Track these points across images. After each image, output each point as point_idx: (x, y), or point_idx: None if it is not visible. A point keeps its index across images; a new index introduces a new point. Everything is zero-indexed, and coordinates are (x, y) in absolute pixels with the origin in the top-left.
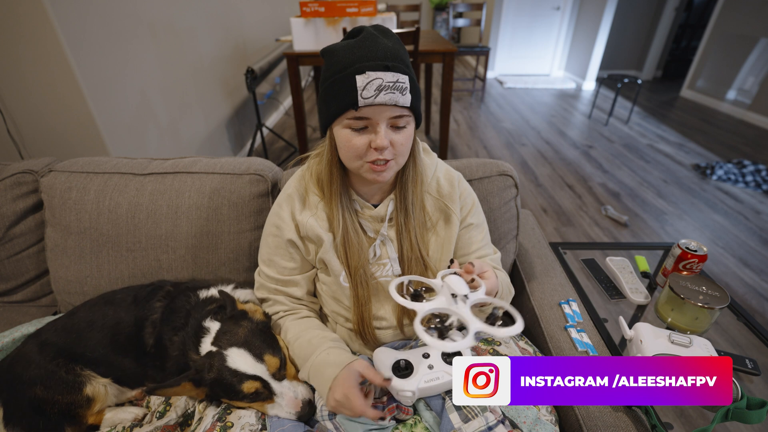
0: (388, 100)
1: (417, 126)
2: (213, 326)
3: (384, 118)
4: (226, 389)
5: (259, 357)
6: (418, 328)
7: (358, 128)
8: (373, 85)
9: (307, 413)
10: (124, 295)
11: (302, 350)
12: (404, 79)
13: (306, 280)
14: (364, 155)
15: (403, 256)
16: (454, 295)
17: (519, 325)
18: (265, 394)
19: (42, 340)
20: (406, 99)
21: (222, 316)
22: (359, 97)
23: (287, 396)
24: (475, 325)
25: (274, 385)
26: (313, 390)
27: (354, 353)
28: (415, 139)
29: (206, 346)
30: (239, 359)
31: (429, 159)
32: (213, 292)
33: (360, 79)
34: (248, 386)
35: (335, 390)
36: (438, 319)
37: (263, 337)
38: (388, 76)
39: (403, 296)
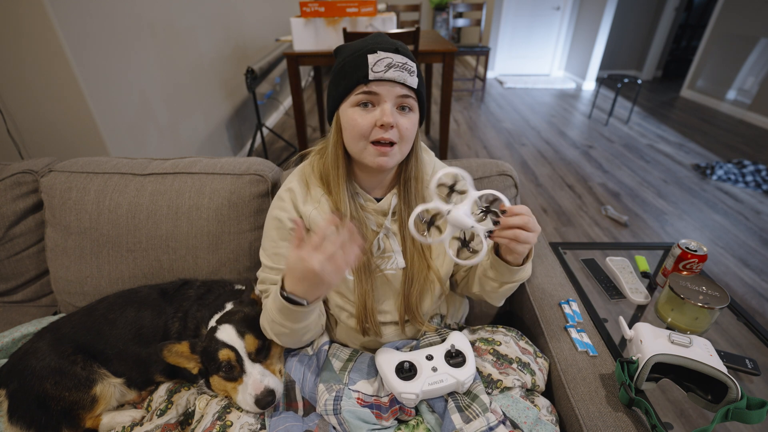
0: (397, 77)
1: (420, 123)
2: (228, 307)
3: (391, 96)
4: (209, 356)
5: (241, 334)
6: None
7: (365, 104)
8: (383, 62)
9: (266, 402)
10: (147, 291)
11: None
12: (412, 64)
13: None
14: (369, 134)
15: (406, 250)
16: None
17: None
18: (237, 370)
19: (59, 335)
20: (414, 80)
21: (240, 300)
22: (370, 71)
23: (254, 377)
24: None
25: (247, 363)
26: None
27: (356, 351)
28: (417, 135)
29: (212, 322)
30: (225, 333)
31: (428, 157)
32: (244, 287)
33: (372, 57)
34: (223, 353)
35: (298, 269)
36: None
37: (252, 322)
38: (398, 57)
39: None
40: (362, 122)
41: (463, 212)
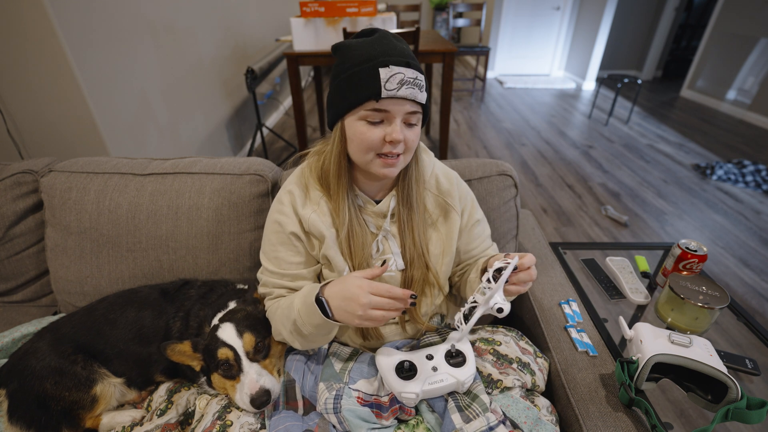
0: (409, 95)
1: (422, 126)
2: (231, 306)
3: (401, 113)
4: (210, 354)
5: (240, 333)
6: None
7: (374, 121)
8: (396, 78)
9: (260, 402)
10: (148, 290)
11: (284, 306)
12: (421, 78)
13: (312, 274)
14: (377, 148)
15: (405, 252)
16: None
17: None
18: (235, 368)
19: (59, 335)
20: (423, 96)
21: (243, 299)
22: (383, 89)
23: (250, 376)
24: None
25: (244, 362)
26: (287, 390)
27: (356, 351)
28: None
29: (215, 320)
30: (226, 331)
31: (427, 157)
32: (246, 286)
33: (384, 72)
34: (222, 352)
35: (350, 291)
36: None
37: (253, 321)
38: (410, 72)
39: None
40: (371, 136)
41: (499, 297)
